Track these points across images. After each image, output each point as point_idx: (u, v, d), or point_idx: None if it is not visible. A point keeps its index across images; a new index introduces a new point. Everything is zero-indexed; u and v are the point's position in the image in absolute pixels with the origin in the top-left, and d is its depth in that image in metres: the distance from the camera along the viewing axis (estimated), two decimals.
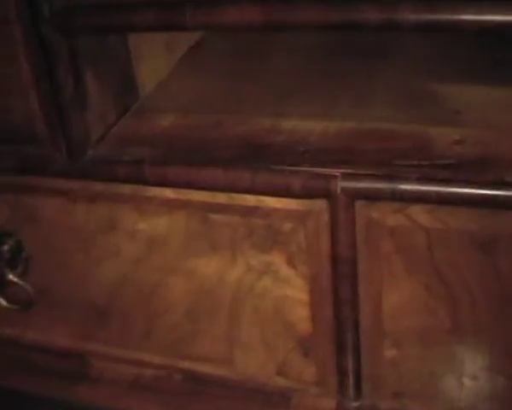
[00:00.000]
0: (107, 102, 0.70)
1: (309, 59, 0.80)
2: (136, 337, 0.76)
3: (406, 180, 0.57)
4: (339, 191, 0.59)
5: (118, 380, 0.78)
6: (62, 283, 0.76)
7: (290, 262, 0.64)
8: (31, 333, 0.82)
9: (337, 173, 0.59)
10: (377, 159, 0.60)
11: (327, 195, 0.60)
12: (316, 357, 0.69)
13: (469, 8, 0.51)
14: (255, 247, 0.65)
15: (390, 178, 0.57)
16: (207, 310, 0.70)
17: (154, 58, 0.79)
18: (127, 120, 0.72)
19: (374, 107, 0.68)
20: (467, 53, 0.75)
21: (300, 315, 0.67)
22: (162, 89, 0.78)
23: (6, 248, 0.74)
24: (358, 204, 0.59)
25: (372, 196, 0.59)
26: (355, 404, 0.70)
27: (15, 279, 0.74)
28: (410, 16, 0.52)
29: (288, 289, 0.66)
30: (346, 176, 0.59)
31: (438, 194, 0.56)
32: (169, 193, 0.65)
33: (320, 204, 0.60)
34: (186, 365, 0.75)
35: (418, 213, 0.58)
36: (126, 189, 0.67)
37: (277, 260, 0.65)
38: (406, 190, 0.57)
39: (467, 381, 0.65)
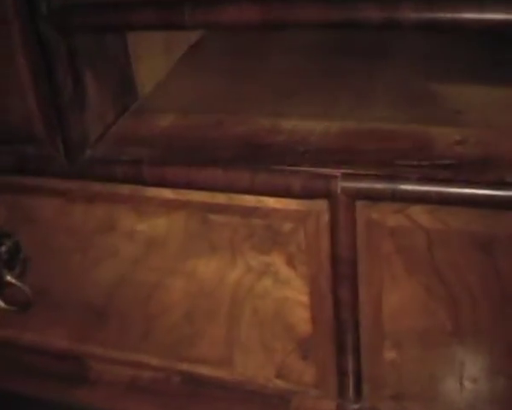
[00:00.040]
0: (105, 102, 0.70)
1: (309, 59, 0.80)
2: (135, 339, 0.75)
3: (407, 180, 0.57)
4: (339, 191, 0.59)
5: (116, 382, 0.78)
6: (60, 284, 0.75)
7: (290, 263, 0.64)
8: (28, 335, 0.81)
9: (337, 174, 0.59)
10: (378, 159, 0.59)
11: (327, 195, 0.59)
12: (315, 359, 0.69)
13: (471, 6, 0.50)
14: (255, 247, 0.64)
15: (390, 178, 0.57)
16: (206, 311, 0.70)
17: (153, 58, 0.79)
18: (126, 120, 0.72)
19: (374, 107, 0.68)
20: (467, 53, 0.75)
21: (300, 316, 0.66)
22: (161, 89, 0.78)
23: (4, 249, 0.73)
24: (359, 204, 0.59)
25: (372, 197, 0.58)
26: (355, 406, 0.69)
27: (13, 280, 0.74)
28: (411, 15, 0.52)
29: (288, 290, 0.66)
30: (346, 176, 0.59)
31: (438, 194, 0.56)
32: (168, 193, 0.65)
33: (320, 204, 0.60)
34: (184, 366, 0.75)
35: (419, 213, 0.58)
36: (125, 189, 0.66)
37: (277, 260, 0.64)
38: (407, 191, 0.57)
39: (467, 383, 0.65)
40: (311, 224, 0.61)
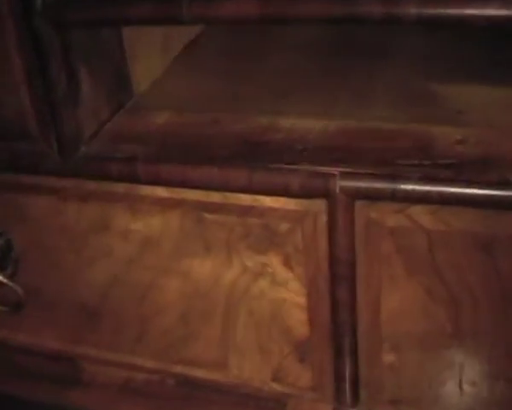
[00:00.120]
0: (100, 98, 0.70)
1: (308, 58, 0.80)
2: (129, 340, 0.75)
3: (407, 180, 0.56)
4: (338, 191, 0.58)
5: (109, 384, 0.77)
6: (53, 284, 0.75)
7: (287, 264, 0.63)
8: (20, 335, 0.81)
9: (336, 172, 0.58)
10: (378, 158, 0.59)
11: (326, 194, 0.59)
12: (312, 362, 0.68)
13: (474, 1, 0.50)
14: (251, 248, 0.64)
15: (391, 177, 0.57)
16: (201, 313, 0.70)
17: (150, 56, 0.79)
18: (121, 117, 0.71)
19: (374, 106, 0.68)
20: (468, 52, 0.75)
21: (297, 318, 0.66)
22: (157, 87, 0.77)
23: None
24: (358, 204, 0.59)
25: (372, 196, 0.58)
26: None
27: (4, 280, 0.73)
28: (413, 10, 0.51)
29: (285, 291, 0.65)
30: (345, 175, 0.58)
31: (439, 194, 0.56)
32: (163, 192, 0.65)
33: (318, 204, 0.60)
34: (179, 369, 0.74)
35: (419, 213, 0.57)
36: (119, 187, 0.66)
37: (274, 261, 0.64)
38: (407, 190, 0.56)
39: (466, 386, 0.64)
40: (309, 224, 0.61)
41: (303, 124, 0.65)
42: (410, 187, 0.56)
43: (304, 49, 0.82)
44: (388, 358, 0.65)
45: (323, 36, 0.83)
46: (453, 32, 0.75)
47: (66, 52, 0.64)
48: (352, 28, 0.78)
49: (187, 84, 0.77)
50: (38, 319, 0.78)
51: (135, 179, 0.64)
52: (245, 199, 0.62)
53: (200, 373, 0.73)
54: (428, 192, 0.56)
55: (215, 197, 0.63)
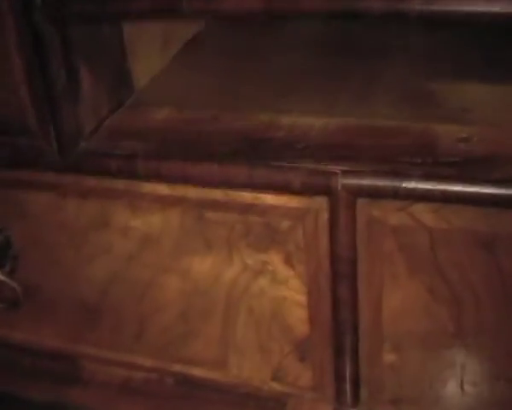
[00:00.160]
0: (100, 95, 0.69)
1: (309, 56, 0.80)
2: (128, 339, 0.75)
3: (410, 178, 0.56)
4: (339, 188, 0.58)
5: (109, 383, 0.77)
6: (52, 281, 0.74)
7: (288, 261, 0.63)
8: (19, 333, 0.80)
9: (338, 170, 0.58)
10: (380, 155, 0.59)
11: (327, 192, 0.58)
12: (313, 361, 0.68)
13: None
14: (252, 245, 0.64)
15: (393, 175, 0.56)
16: (201, 311, 0.69)
17: (150, 52, 0.79)
18: (121, 113, 0.71)
19: (377, 104, 0.67)
20: (471, 51, 0.75)
21: (297, 317, 0.66)
22: (157, 83, 0.77)
23: None
24: (360, 202, 0.58)
25: (374, 194, 0.58)
26: None
27: (3, 277, 0.73)
28: (416, 6, 0.51)
29: (285, 289, 0.65)
30: (347, 173, 0.58)
31: (442, 192, 0.55)
32: (163, 189, 0.64)
33: (320, 202, 0.59)
34: (178, 368, 0.74)
35: (422, 211, 0.57)
36: (119, 184, 0.66)
37: (274, 259, 0.63)
38: (410, 188, 0.56)
39: (467, 386, 0.64)
40: (310, 221, 0.60)
41: (304, 121, 0.65)
42: (412, 185, 0.56)
43: (305, 47, 0.82)
44: (389, 357, 0.64)
45: (325, 34, 0.83)
46: (455, 31, 0.75)
47: (66, 48, 0.64)
48: (354, 27, 0.78)
49: (187, 82, 0.77)
50: (37, 316, 0.78)
51: (135, 176, 0.64)
52: (246, 197, 0.62)
53: (199, 372, 0.73)
54: (431, 190, 0.55)
55: (216, 195, 0.62)
